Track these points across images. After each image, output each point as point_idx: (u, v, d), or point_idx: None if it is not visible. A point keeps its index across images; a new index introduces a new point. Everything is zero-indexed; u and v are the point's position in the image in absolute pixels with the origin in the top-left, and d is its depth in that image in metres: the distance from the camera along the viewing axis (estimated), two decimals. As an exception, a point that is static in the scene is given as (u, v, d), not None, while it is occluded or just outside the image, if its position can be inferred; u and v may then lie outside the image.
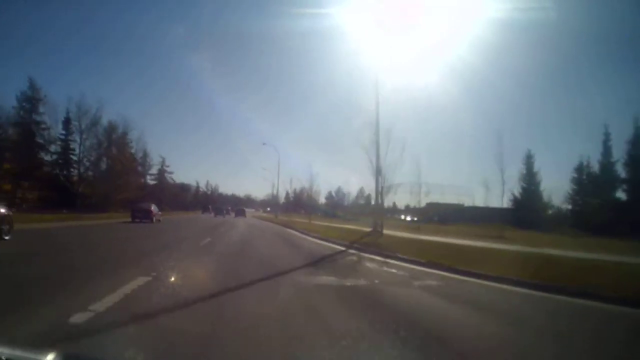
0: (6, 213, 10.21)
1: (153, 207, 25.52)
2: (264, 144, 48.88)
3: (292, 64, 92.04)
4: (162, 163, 68.42)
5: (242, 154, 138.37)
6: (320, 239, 16.66)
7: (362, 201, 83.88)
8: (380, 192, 20.55)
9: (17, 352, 1.20)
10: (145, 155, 56.73)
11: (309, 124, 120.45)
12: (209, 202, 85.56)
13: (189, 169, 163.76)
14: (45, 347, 1.27)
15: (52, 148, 35.08)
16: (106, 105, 54.41)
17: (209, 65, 77.59)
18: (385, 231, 18.90)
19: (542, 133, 69.19)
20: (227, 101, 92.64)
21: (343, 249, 12.74)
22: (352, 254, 11.17)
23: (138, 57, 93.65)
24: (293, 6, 39.29)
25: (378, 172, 19.83)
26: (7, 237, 9.80)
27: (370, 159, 19.78)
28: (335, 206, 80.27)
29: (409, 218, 60.50)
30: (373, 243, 13.17)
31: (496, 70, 47.45)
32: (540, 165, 47.07)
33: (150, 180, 62.53)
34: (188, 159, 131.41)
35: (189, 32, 69.46)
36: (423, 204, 45.83)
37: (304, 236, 19.02)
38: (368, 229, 22.07)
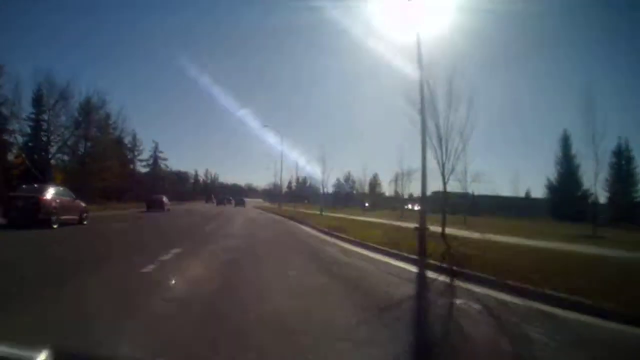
0: (84, 205, 14.58)
1: (164, 199, 32.07)
2: (265, 126, 43.99)
3: (293, 50, 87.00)
4: (155, 149, 63.37)
5: (244, 143, 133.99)
6: (357, 244, 11.15)
7: (368, 189, 78.65)
8: (442, 172, 12.93)
9: (9, 349, 1.10)
10: (135, 139, 51.27)
11: (315, 112, 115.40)
12: (210, 191, 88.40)
13: (190, 158, 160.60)
14: (39, 344, 1.07)
15: (16, 127, 29.49)
16: (81, 78, 48.84)
17: (209, 55, 73.46)
18: (432, 228, 12.45)
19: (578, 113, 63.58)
20: (230, 91, 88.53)
21: (415, 269, 7.37)
22: (453, 289, 5.72)
23: (136, 49, 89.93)
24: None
25: (424, 144, 12.14)
26: (85, 222, 14.04)
27: (422, 118, 11.29)
28: (345, 196, 75.03)
29: (416, 207, 54.81)
30: (455, 255, 7.74)
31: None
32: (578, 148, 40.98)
33: (141, 167, 57.42)
34: (188, 148, 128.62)
35: (188, 26, 65.00)
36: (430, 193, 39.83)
37: (326, 238, 13.71)
38: (406, 225, 16.98)
